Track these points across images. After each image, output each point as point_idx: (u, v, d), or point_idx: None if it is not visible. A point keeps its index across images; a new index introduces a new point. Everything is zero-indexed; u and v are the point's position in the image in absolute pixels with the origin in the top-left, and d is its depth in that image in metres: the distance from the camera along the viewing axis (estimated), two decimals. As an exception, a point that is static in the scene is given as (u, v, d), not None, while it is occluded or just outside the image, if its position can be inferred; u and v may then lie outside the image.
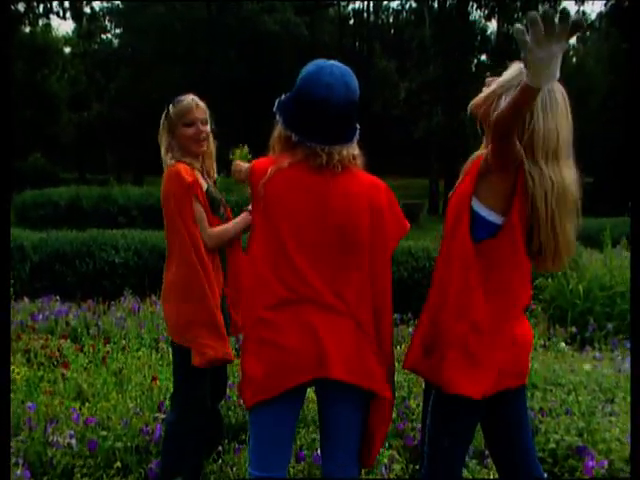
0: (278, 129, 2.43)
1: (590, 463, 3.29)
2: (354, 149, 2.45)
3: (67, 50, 50.23)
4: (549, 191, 2.24)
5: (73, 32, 50.06)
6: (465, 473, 3.38)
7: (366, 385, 2.40)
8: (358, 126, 2.47)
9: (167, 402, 4.10)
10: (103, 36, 49.17)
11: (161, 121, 3.25)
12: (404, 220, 2.48)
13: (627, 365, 5.22)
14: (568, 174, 2.30)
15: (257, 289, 2.38)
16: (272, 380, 2.34)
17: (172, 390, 3.37)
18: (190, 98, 3.23)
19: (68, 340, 5.95)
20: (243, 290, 2.49)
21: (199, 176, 3.19)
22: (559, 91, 2.31)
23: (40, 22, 43.08)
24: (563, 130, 2.29)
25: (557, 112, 2.28)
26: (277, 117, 2.41)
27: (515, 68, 2.37)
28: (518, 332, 2.39)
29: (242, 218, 3.13)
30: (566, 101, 2.32)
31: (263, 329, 2.36)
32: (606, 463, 3.30)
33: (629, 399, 4.39)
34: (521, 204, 2.26)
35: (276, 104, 2.43)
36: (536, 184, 2.24)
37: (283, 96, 2.44)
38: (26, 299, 7.48)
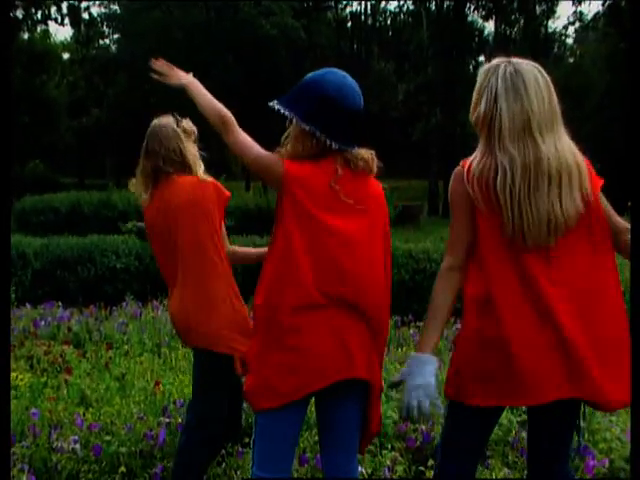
0: (303, 132, 2.43)
1: (591, 462, 3.31)
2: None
3: (65, 56, 50.29)
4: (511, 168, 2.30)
5: (71, 38, 50.12)
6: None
7: (378, 383, 2.49)
8: None
9: (171, 406, 4.13)
10: (101, 41, 49.24)
11: (174, 129, 3.29)
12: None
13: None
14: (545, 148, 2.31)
15: (287, 288, 2.37)
16: (293, 385, 2.36)
17: (191, 397, 3.38)
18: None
19: (71, 346, 5.97)
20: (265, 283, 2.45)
21: None
22: (526, 72, 2.34)
23: (38, 28, 43.15)
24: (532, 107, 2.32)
25: (521, 95, 2.32)
26: (306, 125, 2.41)
27: (481, 73, 2.42)
28: None
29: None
30: (537, 79, 2.34)
31: (287, 334, 2.36)
32: (607, 462, 3.32)
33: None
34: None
35: (302, 113, 2.42)
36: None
37: (292, 102, 2.46)
38: (28, 305, 7.50)
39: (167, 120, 3.34)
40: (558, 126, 2.38)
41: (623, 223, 2.47)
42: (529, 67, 2.36)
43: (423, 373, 2.29)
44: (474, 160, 2.36)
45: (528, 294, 2.30)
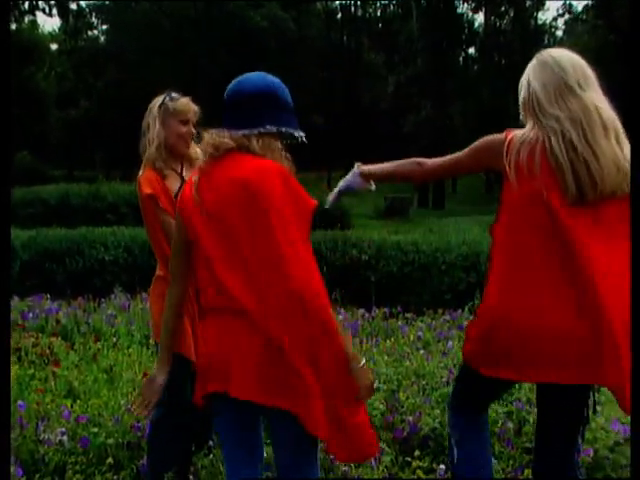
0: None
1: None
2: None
3: (54, 47, 50.01)
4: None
5: (59, 29, 49.85)
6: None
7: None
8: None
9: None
10: (90, 33, 48.99)
11: (153, 112, 3.20)
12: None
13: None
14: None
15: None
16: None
17: None
18: (187, 98, 3.25)
19: (59, 338, 5.96)
20: None
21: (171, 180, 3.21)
22: (555, 51, 2.56)
23: (26, 19, 42.94)
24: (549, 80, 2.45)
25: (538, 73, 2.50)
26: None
27: None
28: None
29: None
30: (567, 54, 2.53)
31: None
32: (591, 451, 3.34)
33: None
34: None
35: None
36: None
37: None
38: (16, 298, 7.48)
39: (156, 99, 3.25)
40: (595, 85, 2.47)
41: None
42: (559, 50, 2.54)
43: None
44: (519, 133, 2.44)
45: (566, 264, 2.32)
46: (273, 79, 2.39)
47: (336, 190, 2.98)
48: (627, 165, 2.33)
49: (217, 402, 2.32)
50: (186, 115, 3.20)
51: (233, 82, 2.39)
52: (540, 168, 2.34)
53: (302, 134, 2.40)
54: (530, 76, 2.50)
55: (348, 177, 2.96)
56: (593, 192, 2.31)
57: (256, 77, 2.38)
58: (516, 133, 2.45)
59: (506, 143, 2.43)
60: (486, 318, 2.49)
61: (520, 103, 2.54)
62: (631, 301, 2.16)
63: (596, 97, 2.42)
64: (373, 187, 2.96)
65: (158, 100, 3.23)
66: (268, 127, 2.31)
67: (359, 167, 2.94)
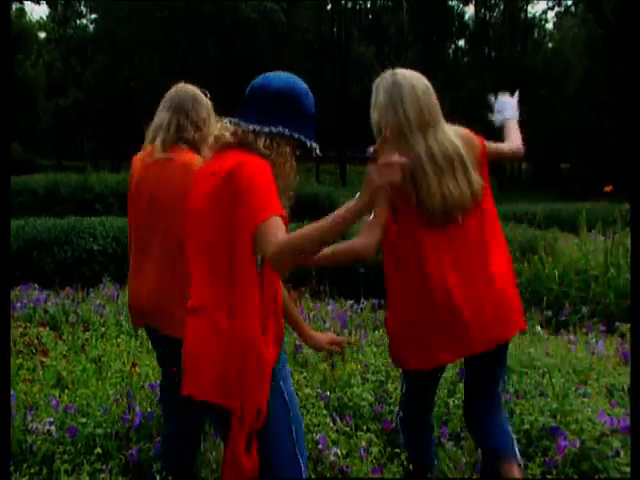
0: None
1: (562, 443, 3.36)
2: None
3: (42, 36, 49.69)
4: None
5: (48, 17, 49.51)
6: (442, 454, 3.44)
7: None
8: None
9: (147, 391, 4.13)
10: (78, 21, 48.68)
11: (206, 105, 3.14)
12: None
13: (600, 348, 5.32)
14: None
15: None
16: None
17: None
18: None
19: (47, 328, 5.93)
20: None
21: None
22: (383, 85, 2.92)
23: (13, 6, 42.56)
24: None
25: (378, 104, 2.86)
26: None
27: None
28: None
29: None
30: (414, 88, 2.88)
31: None
32: (578, 443, 3.37)
33: (602, 381, 4.48)
34: None
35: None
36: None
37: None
38: (4, 287, 7.44)
39: (194, 89, 3.18)
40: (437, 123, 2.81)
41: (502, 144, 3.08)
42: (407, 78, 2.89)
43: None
44: None
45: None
46: (302, 84, 2.36)
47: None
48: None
49: None
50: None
51: (260, 77, 2.35)
52: None
53: (316, 146, 2.34)
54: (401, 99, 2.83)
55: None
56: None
57: (284, 77, 2.34)
58: None
59: None
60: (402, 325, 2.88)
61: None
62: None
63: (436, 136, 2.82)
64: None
65: (198, 92, 3.17)
66: (280, 128, 2.27)
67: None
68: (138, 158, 3.19)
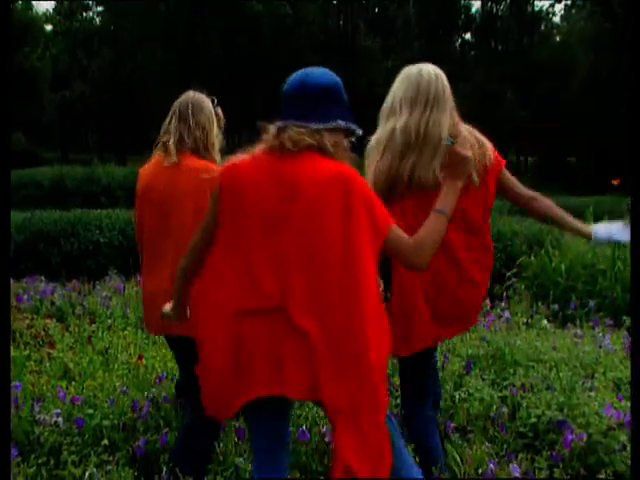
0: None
1: (569, 437, 3.35)
2: None
3: (48, 28, 49.70)
4: None
5: (54, 10, 49.51)
6: (449, 447, 3.44)
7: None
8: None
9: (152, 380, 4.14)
10: (84, 14, 48.67)
11: (207, 112, 3.26)
12: None
13: (607, 342, 5.31)
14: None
15: None
16: None
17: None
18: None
19: (53, 320, 5.96)
20: None
21: None
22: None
23: (19, -1, 42.62)
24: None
25: None
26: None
27: None
28: None
29: None
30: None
31: None
32: (585, 436, 3.36)
33: (609, 374, 4.47)
34: None
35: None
36: None
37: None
38: (11, 279, 7.46)
39: (204, 98, 3.30)
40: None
41: (527, 192, 3.05)
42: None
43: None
44: None
45: None
46: (335, 74, 2.39)
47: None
48: None
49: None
50: (223, 125, 3.34)
51: (296, 75, 2.36)
52: None
53: (360, 131, 2.39)
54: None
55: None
56: None
57: (322, 72, 2.36)
58: None
59: None
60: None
61: None
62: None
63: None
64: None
65: (205, 99, 3.28)
66: (339, 122, 2.30)
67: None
68: (145, 168, 3.30)
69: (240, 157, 2.36)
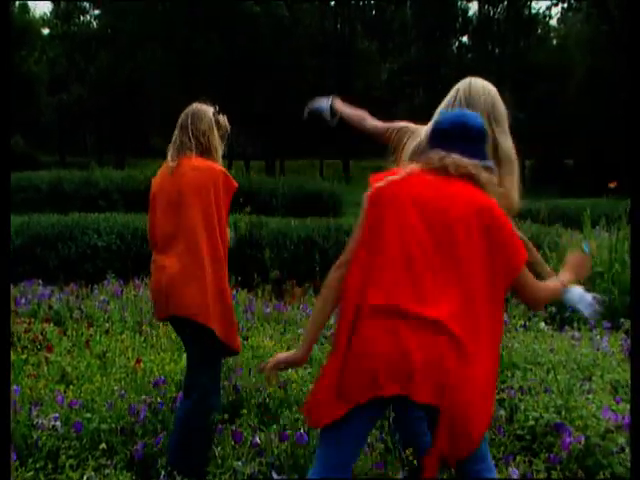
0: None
1: (567, 439, 3.36)
2: None
3: (45, 32, 49.65)
4: None
5: (51, 13, 49.46)
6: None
7: None
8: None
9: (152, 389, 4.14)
10: (82, 17, 48.63)
11: (207, 120, 3.52)
12: None
13: (604, 344, 5.31)
14: None
15: None
16: None
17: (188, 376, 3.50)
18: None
19: (51, 324, 5.96)
20: None
21: None
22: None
23: (16, 2, 42.57)
24: None
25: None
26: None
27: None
28: None
29: None
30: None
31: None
32: (582, 438, 3.37)
33: (606, 377, 4.47)
34: None
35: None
36: None
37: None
38: (8, 283, 7.45)
39: (207, 107, 3.58)
40: None
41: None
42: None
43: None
44: None
45: None
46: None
47: (307, 108, 3.59)
48: None
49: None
50: (226, 131, 3.62)
51: (453, 115, 2.64)
52: None
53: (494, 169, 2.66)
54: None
55: (322, 100, 3.58)
56: None
57: (474, 115, 2.63)
58: None
59: None
60: None
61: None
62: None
63: None
64: (334, 124, 3.54)
65: (205, 109, 3.57)
66: (488, 162, 2.57)
67: (334, 99, 3.56)
68: (155, 177, 3.62)
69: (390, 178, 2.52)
